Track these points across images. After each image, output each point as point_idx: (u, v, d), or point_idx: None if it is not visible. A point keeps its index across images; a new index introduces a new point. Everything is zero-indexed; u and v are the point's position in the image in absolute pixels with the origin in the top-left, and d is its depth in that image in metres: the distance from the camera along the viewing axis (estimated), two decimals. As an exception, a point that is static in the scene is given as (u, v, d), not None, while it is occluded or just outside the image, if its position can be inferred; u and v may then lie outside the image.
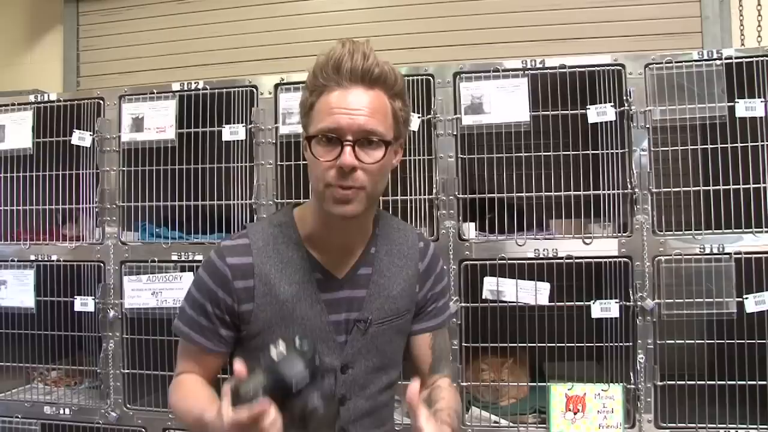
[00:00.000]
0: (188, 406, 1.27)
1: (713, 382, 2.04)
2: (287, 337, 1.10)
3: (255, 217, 2.25)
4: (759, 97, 2.01)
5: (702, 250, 2.02)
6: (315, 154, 1.21)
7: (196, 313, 1.31)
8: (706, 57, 2.05)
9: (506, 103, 2.11)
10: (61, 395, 2.55)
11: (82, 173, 2.47)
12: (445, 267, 1.55)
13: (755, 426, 2.01)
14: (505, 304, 2.10)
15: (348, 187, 1.19)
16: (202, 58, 3.21)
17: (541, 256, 2.10)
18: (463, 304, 2.13)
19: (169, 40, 3.29)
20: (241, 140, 2.29)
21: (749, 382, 2.02)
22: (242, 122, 2.28)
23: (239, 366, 1.04)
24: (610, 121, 2.08)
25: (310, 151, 1.22)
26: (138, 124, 2.35)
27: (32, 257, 2.45)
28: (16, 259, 2.46)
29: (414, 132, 2.17)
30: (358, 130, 1.19)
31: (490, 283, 2.10)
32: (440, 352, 1.48)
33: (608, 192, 2.12)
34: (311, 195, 1.33)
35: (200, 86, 2.34)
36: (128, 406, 2.36)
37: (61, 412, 2.42)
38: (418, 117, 2.17)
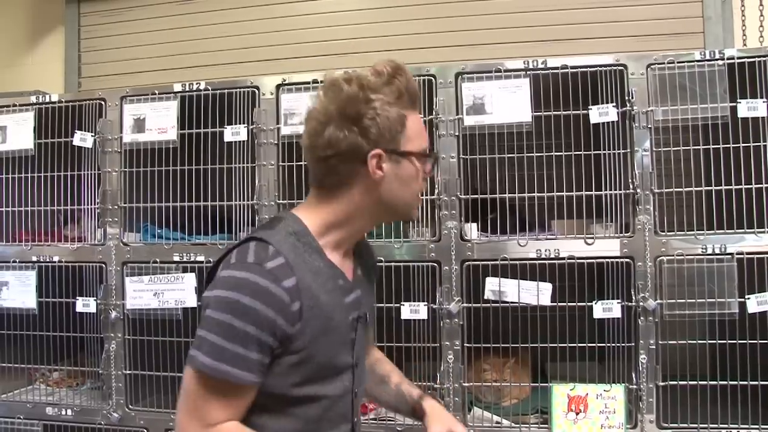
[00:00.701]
0: None
1: (715, 383, 2.04)
2: None
3: (257, 218, 2.25)
4: (761, 97, 2.01)
5: (704, 250, 2.02)
6: (422, 170, 1.33)
7: (245, 347, 1.16)
8: (708, 57, 2.05)
9: (508, 104, 2.11)
10: (63, 396, 2.55)
11: (84, 174, 2.48)
12: None
13: (757, 426, 2.01)
14: (507, 304, 2.10)
15: None
16: (204, 58, 3.21)
17: (543, 256, 2.10)
18: (465, 305, 2.13)
19: (171, 41, 3.29)
20: (243, 141, 2.29)
21: (751, 383, 2.02)
22: (244, 123, 2.28)
23: None
24: (612, 122, 2.08)
25: (416, 165, 1.31)
26: (139, 125, 2.35)
27: (34, 258, 2.45)
28: (17, 260, 2.46)
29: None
30: None
31: (492, 284, 2.10)
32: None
33: (610, 192, 2.12)
34: (359, 206, 1.31)
35: (202, 87, 2.34)
36: (130, 406, 2.36)
37: (63, 413, 2.42)
38: (421, 117, 2.16)
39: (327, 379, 1.29)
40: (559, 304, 2.11)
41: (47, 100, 2.48)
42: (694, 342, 2.13)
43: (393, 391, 1.56)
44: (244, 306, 1.16)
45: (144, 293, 2.31)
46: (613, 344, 2.10)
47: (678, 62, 2.05)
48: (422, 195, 1.39)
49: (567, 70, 2.13)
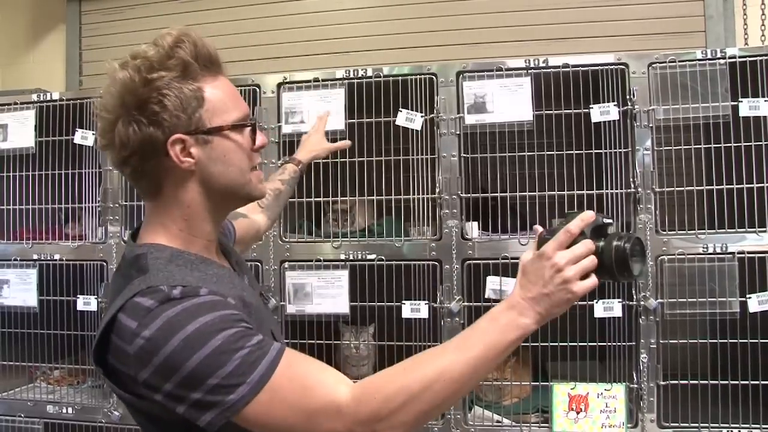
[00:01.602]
0: (456, 348, 1.03)
1: (716, 382, 2.04)
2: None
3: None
4: (762, 96, 2.01)
5: (705, 249, 2.02)
6: (243, 142, 1.15)
7: (250, 337, 1.00)
8: (709, 56, 2.05)
9: (509, 103, 2.11)
10: (63, 394, 2.55)
11: (85, 172, 2.48)
12: None
13: (758, 426, 2.01)
14: (508, 303, 2.10)
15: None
16: (205, 57, 3.21)
17: (544, 255, 2.10)
18: (466, 304, 2.13)
19: (172, 39, 3.29)
20: (244, 139, 2.28)
21: (752, 382, 2.02)
22: (245, 121, 2.28)
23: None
24: (614, 121, 2.08)
25: (231, 141, 1.14)
26: (140, 123, 2.35)
27: (35, 256, 2.45)
28: (18, 259, 2.46)
29: (417, 131, 2.17)
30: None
31: (492, 283, 2.10)
32: None
33: (611, 191, 2.12)
34: (200, 206, 1.15)
35: (203, 85, 2.33)
36: (131, 405, 2.36)
37: (64, 411, 2.42)
38: (421, 116, 2.17)
39: None
40: (560, 303, 2.11)
41: (48, 98, 2.48)
42: (695, 341, 2.13)
43: (276, 186, 1.72)
44: (209, 322, 0.98)
45: (145, 291, 2.31)
46: (614, 343, 2.10)
47: (679, 61, 2.05)
48: (259, 167, 1.21)
49: (568, 69, 2.12)
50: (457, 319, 2.12)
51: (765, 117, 2.01)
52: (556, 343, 2.16)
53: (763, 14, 2.75)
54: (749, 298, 1.99)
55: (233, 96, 1.16)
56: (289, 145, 2.25)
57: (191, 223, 1.15)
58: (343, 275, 2.19)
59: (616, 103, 2.08)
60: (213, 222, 1.18)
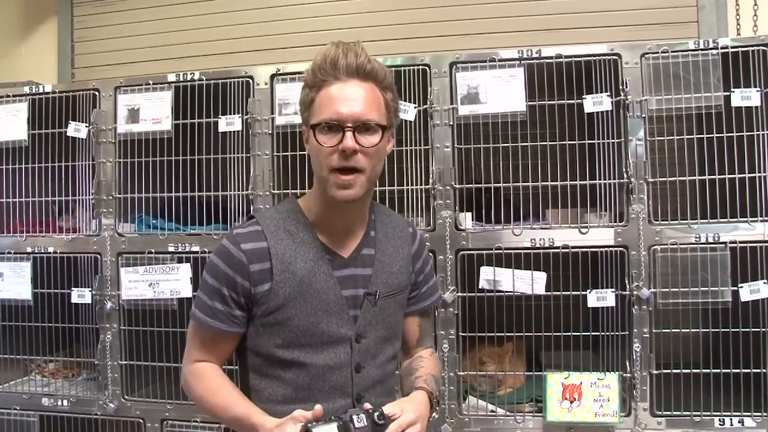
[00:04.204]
0: (222, 403, 1.35)
1: (708, 371, 2.05)
2: (369, 409, 1.23)
3: (251, 208, 2.25)
4: (754, 86, 2.01)
5: (697, 239, 2.03)
6: (319, 141, 1.32)
7: (212, 299, 1.38)
8: (702, 46, 2.06)
9: (502, 93, 2.11)
10: (59, 387, 2.55)
11: (78, 165, 2.47)
12: (429, 253, 1.66)
13: (749, 413, 2.02)
14: (502, 293, 2.11)
15: (350, 172, 1.32)
16: (198, 48, 3.20)
17: (538, 245, 2.11)
18: (459, 294, 2.14)
19: (165, 31, 3.27)
20: (238, 131, 2.28)
21: (743, 371, 2.03)
22: (238, 113, 2.28)
23: (319, 408, 1.21)
24: (606, 111, 2.09)
25: (315, 140, 1.33)
26: (134, 116, 2.35)
27: (29, 249, 2.45)
28: (12, 252, 2.46)
29: (410, 122, 2.17)
30: (357, 118, 1.31)
31: (486, 273, 2.11)
32: (426, 329, 1.64)
33: (604, 182, 2.12)
34: (315, 183, 1.42)
35: (196, 77, 2.33)
36: (126, 397, 2.37)
37: (59, 403, 2.43)
38: (415, 107, 2.17)
39: (314, 347, 1.37)
40: (554, 293, 2.12)
41: (41, 90, 2.47)
42: (688, 330, 2.14)
43: (409, 384, 1.52)
44: (214, 265, 1.39)
45: (139, 284, 2.31)
46: (607, 333, 2.11)
47: (672, 51, 2.06)
48: (341, 172, 1.31)
49: (561, 60, 2.13)
50: (451, 309, 2.13)
51: (757, 107, 2.02)
52: (550, 333, 2.18)
53: (756, 4, 2.75)
54: (741, 287, 2.00)
55: (329, 100, 1.33)
56: (283, 136, 2.25)
57: (315, 192, 1.42)
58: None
59: (609, 93, 2.08)
60: (327, 205, 1.39)
